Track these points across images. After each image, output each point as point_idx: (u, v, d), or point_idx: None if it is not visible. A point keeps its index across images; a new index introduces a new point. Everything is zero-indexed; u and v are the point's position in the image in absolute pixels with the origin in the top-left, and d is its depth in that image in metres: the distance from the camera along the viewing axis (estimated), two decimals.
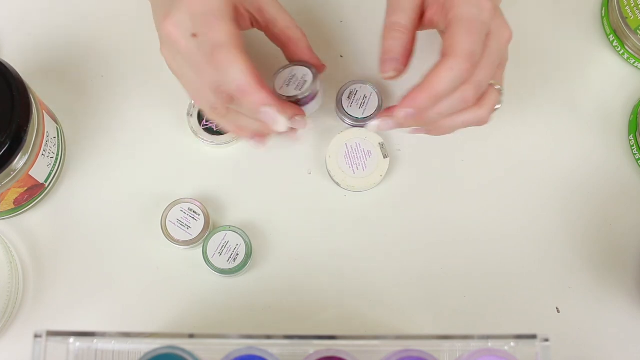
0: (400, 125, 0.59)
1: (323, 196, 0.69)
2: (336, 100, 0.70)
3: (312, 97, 0.63)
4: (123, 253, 0.68)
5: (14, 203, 0.65)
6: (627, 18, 0.70)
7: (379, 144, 0.69)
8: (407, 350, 0.52)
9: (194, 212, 0.67)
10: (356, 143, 0.69)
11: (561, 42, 0.73)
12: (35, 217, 0.68)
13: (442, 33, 0.59)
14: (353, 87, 0.70)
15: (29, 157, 0.62)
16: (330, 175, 0.69)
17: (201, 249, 0.66)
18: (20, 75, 0.60)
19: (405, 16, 0.58)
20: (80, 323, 0.66)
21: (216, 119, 0.62)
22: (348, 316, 0.67)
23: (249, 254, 0.66)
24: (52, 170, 0.67)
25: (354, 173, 0.68)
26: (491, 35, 0.56)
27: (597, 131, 0.72)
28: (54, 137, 0.66)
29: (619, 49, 0.73)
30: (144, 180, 0.69)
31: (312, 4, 0.73)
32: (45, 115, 0.64)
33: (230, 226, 0.66)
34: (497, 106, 0.61)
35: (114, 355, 0.57)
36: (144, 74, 0.71)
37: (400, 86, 0.63)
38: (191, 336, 0.53)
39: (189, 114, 0.69)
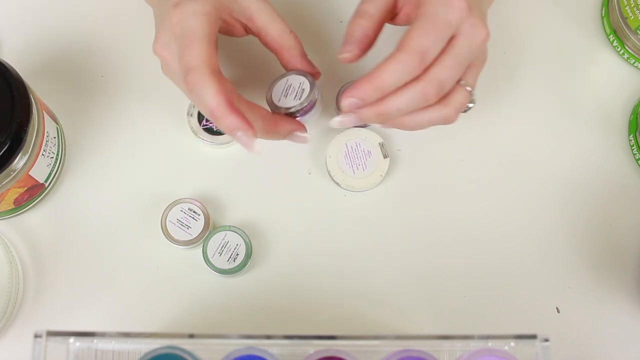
0: (363, 120, 0.59)
1: (323, 196, 0.69)
2: (336, 100, 0.70)
3: (311, 106, 0.63)
4: (123, 253, 0.68)
5: (14, 203, 0.65)
6: (627, 18, 0.70)
7: (379, 144, 0.69)
8: (407, 350, 0.52)
9: (194, 212, 0.67)
10: (356, 143, 0.69)
11: (561, 42, 0.73)
12: (35, 217, 0.68)
13: None
14: None
15: (29, 157, 0.61)
16: (330, 175, 0.69)
17: (201, 249, 0.66)
18: (20, 75, 0.60)
19: (375, 6, 0.60)
20: (80, 323, 0.66)
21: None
22: (348, 316, 0.67)
23: (249, 254, 0.66)
24: (52, 170, 0.67)
25: (354, 173, 0.68)
26: (460, 35, 0.56)
27: (597, 131, 0.72)
28: (54, 137, 0.66)
29: (619, 49, 0.73)
30: (144, 180, 0.69)
31: (312, 4, 0.73)
32: (45, 115, 0.64)
33: (230, 226, 0.66)
34: (470, 105, 0.61)
35: (114, 355, 0.57)
36: (144, 74, 0.71)
37: None
38: (191, 336, 0.53)
39: (189, 114, 0.69)
